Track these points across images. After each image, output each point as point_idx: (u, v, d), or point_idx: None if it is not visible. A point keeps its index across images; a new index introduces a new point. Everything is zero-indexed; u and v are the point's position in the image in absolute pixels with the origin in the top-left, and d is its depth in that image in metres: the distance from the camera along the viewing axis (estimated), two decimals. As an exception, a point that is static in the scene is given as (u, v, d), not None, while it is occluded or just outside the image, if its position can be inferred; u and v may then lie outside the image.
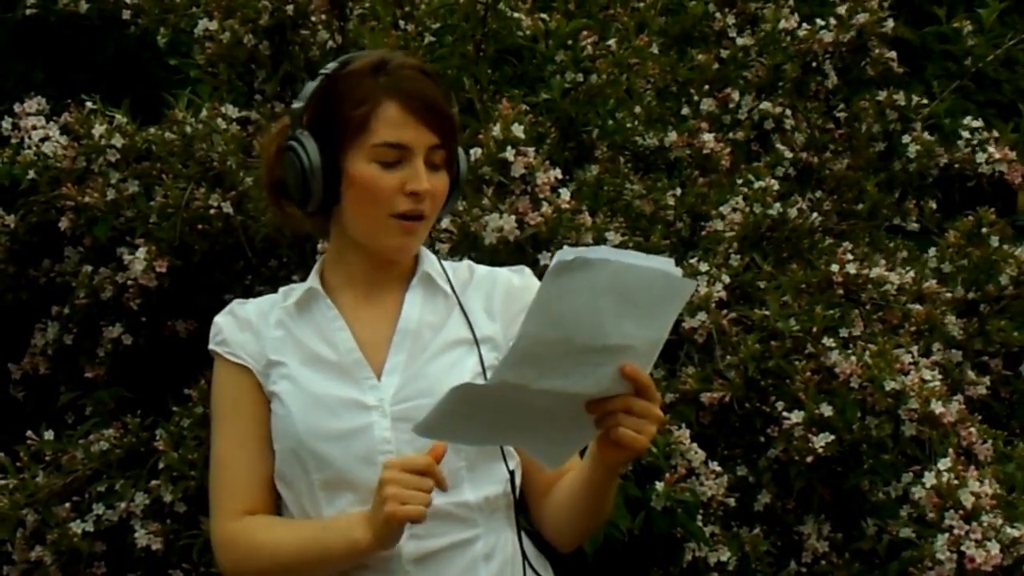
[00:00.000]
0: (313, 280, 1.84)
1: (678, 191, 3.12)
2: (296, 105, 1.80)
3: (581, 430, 1.63)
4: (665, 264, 1.52)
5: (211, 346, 1.84)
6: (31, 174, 2.94)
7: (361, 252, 1.81)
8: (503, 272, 1.88)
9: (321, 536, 1.73)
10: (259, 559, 1.76)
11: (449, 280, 1.83)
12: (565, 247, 1.50)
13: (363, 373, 1.77)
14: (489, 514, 1.78)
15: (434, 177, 1.77)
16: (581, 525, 1.81)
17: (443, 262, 1.86)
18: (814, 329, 2.80)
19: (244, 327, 1.83)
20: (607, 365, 1.55)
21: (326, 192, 1.77)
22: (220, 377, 1.83)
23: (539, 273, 1.69)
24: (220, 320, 1.85)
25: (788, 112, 3.47)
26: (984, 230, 3.21)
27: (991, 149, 3.35)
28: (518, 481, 1.81)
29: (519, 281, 1.85)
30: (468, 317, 1.80)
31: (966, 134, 3.37)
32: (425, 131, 1.75)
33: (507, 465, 1.77)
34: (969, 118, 3.40)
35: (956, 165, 3.36)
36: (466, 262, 1.91)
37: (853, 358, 2.70)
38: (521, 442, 1.69)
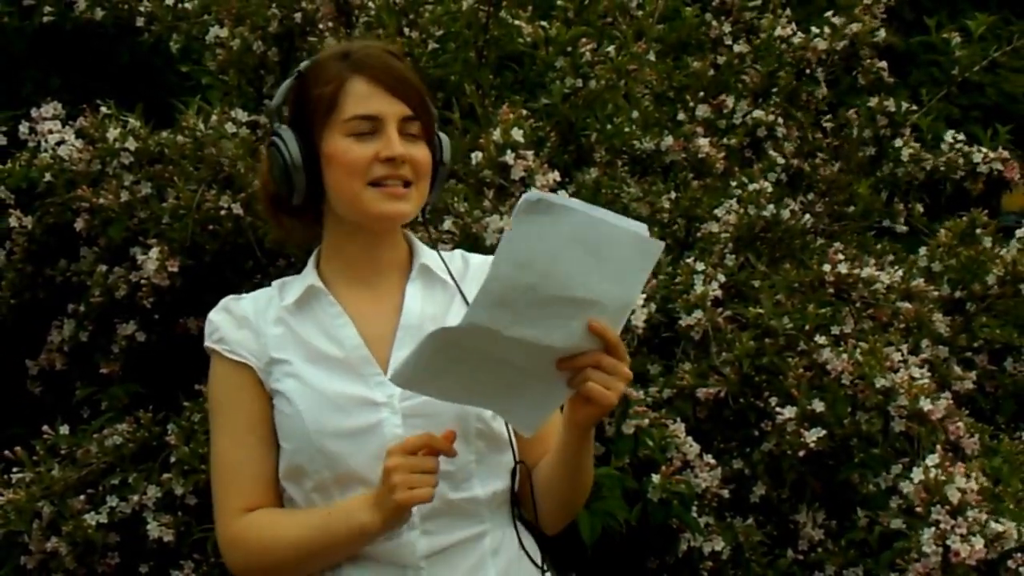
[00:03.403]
0: (311, 276, 1.81)
1: (673, 194, 3.16)
2: (274, 103, 1.80)
3: (553, 392, 1.64)
4: (634, 225, 1.53)
5: (208, 344, 1.80)
6: (48, 177, 2.98)
7: (356, 239, 1.79)
8: None
9: (326, 525, 1.71)
10: (266, 556, 1.75)
11: (448, 269, 1.82)
12: (532, 189, 1.49)
13: (370, 370, 1.75)
14: (495, 509, 1.78)
15: (412, 147, 1.75)
16: (561, 500, 1.81)
17: (439, 251, 1.84)
18: (806, 327, 2.86)
19: (242, 324, 1.79)
20: (576, 319, 1.57)
21: (310, 181, 1.76)
22: (218, 375, 1.79)
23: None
24: (216, 318, 1.81)
25: (780, 120, 3.51)
26: (978, 231, 3.27)
27: (985, 149, 3.40)
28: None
29: None
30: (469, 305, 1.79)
31: (949, 138, 3.44)
32: (394, 101, 1.74)
33: (514, 455, 1.78)
34: (952, 131, 3.45)
35: (942, 168, 3.42)
36: (458, 251, 1.89)
37: (844, 356, 2.74)
38: (496, 404, 1.68)
